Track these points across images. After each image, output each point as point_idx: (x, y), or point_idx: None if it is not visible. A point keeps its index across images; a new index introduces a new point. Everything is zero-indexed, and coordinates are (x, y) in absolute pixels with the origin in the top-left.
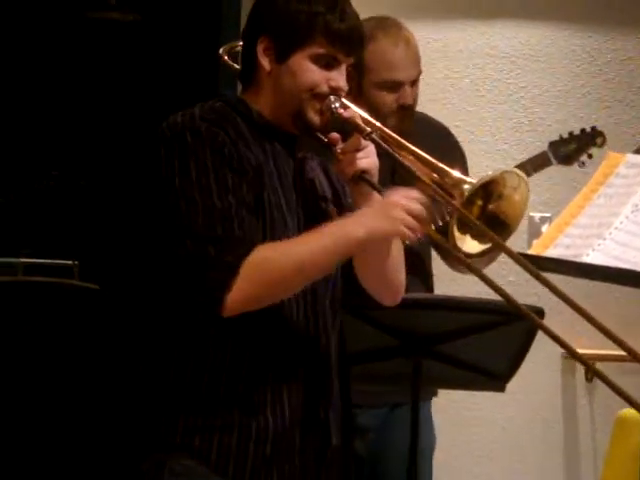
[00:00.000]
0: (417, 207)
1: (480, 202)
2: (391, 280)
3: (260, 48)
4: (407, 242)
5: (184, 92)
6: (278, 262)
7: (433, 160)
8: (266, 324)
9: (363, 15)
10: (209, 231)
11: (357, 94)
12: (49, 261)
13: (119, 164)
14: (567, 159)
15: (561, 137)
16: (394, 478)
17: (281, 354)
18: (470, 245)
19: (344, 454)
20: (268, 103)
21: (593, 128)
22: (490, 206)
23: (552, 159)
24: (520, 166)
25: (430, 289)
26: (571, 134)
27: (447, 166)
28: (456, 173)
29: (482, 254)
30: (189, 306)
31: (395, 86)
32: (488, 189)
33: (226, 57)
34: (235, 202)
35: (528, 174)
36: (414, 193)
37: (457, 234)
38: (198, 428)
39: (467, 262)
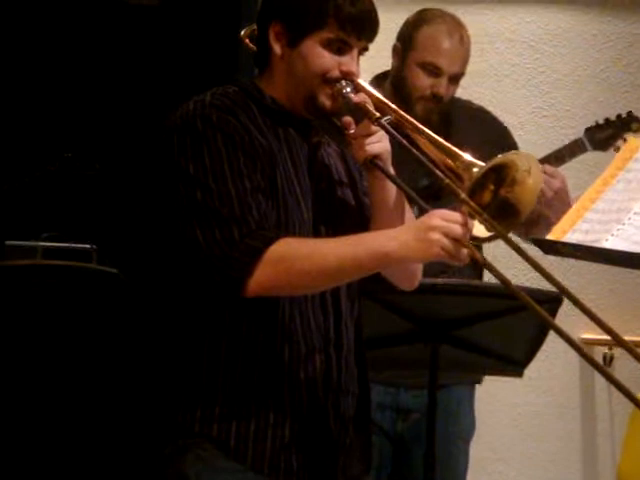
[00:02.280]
0: (456, 229)
1: (492, 187)
2: (408, 265)
3: (272, 33)
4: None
5: (203, 76)
6: (302, 256)
7: (447, 144)
8: (281, 312)
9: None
10: (231, 214)
11: (399, 68)
12: (68, 245)
13: (137, 149)
14: (602, 145)
15: (597, 123)
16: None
17: (296, 342)
18: (478, 229)
19: (363, 440)
20: (281, 88)
21: (629, 113)
22: (502, 191)
23: (588, 145)
24: (556, 153)
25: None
26: (607, 120)
27: (460, 149)
28: (467, 156)
29: (490, 239)
30: (210, 287)
31: (435, 71)
32: (501, 174)
33: (247, 40)
34: (250, 186)
35: (564, 160)
36: (455, 215)
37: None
38: (215, 417)
39: (473, 250)
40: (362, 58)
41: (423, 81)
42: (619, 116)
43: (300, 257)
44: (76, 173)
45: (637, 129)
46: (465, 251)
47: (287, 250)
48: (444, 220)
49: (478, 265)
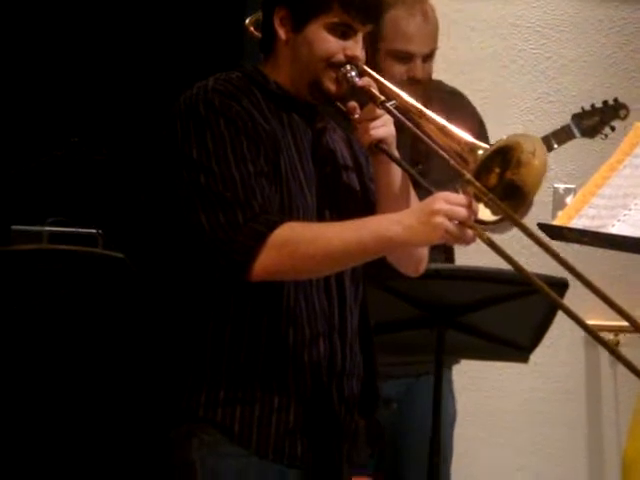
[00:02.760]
0: (460, 211)
1: (498, 169)
2: (414, 251)
3: (277, 18)
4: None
5: (209, 62)
6: (307, 240)
7: (451, 127)
8: (286, 296)
9: None
10: (235, 198)
11: (369, 61)
12: (74, 230)
13: (142, 134)
14: (590, 132)
15: (583, 109)
16: (415, 448)
17: (301, 326)
18: (483, 213)
19: (369, 426)
20: (286, 73)
21: (616, 100)
22: (508, 173)
23: (575, 132)
24: (543, 139)
25: (450, 257)
26: (593, 106)
27: (463, 131)
28: (471, 139)
29: (496, 222)
30: (214, 271)
31: (406, 57)
32: (506, 156)
33: (252, 28)
34: (254, 171)
35: (551, 147)
36: (459, 197)
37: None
38: (219, 401)
39: (478, 231)
40: None
41: (397, 69)
42: (605, 102)
43: (304, 241)
44: (83, 158)
45: (625, 116)
46: (470, 233)
47: (291, 234)
48: (448, 202)
49: (450, 252)
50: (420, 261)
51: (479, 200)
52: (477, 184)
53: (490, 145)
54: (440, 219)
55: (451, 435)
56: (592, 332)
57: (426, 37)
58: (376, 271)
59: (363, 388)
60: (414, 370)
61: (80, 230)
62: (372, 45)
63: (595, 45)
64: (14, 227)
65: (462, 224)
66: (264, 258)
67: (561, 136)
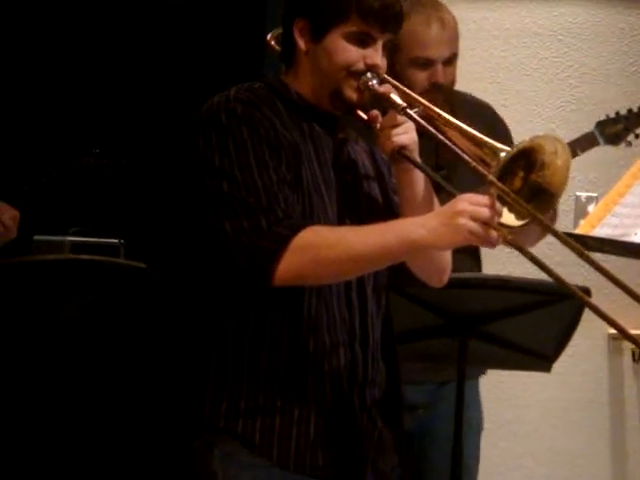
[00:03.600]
0: (484, 212)
1: (522, 173)
2: (438, 261)
3: (297, 29)
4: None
5: (229, 72)
6: (329, 244)
7: (474, 132)
8: (307, 305)
9: None
10: (258, 204)
11: (389, 72)
12: (96, 240)
13: (164, 144)
14: (614, 139)
15: (608, 117)
16: (442, 454)
17: (321, 336)
18: (507, 218)
19: (394, 435)
20: (307, 83)
21: None
22: (533, 176)
23: (599, 139)
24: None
25: (478, 260)
26: (618, 114)
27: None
28: (494, 143)
29: (522, 227)
30: (237, 275)
31: (427, 64)
32: (529, 159)
33: (273, 42)
34: (277, 178)
35: (575, 154)
36: (482, 198)
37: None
38: (240, 412)
39: (514, 241)
40: None
41: (418, 76)
42: (630, 110)
43: (327, 245)
44: (104, 169)
45: None
46: (495, 234)
47: (315, 238)
48: (471, 204)
49: (477, 254)
50: (443, 271)
51: (503, 202)
52: (499, 184)
53: (512, 148)
54: (463, 220)
55: (477, 445)
56: (620, 328)
57: (445, 42)
58: (400, 283)
59: (385, 396)
60: (438, 377)
61: (102, 240)
62: (392, 58)
63: (617, 53)
64: (36, 237)
65: (486, 225)
66: (287, 262)
67: (585, 143)
